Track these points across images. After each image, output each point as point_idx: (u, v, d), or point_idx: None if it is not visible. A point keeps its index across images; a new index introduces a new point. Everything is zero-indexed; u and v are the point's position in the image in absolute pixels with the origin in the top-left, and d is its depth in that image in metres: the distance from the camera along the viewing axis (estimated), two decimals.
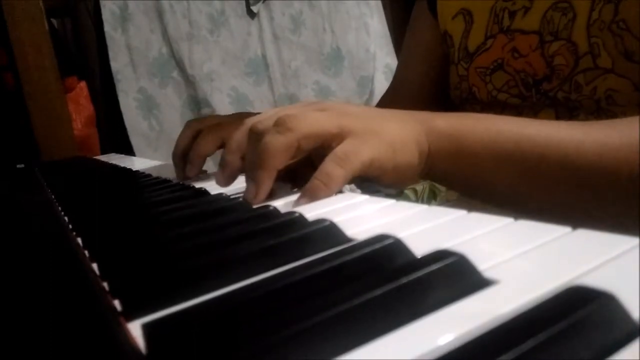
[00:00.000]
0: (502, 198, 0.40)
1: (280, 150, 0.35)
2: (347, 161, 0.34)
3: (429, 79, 0.72)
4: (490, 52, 0.59)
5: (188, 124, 0.54)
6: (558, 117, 0.55)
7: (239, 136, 0.40)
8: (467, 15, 0.63)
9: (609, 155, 0.35)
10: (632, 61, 0.47)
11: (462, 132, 0.39)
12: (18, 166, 0.89)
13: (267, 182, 0.36)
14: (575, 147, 0.36)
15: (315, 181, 0.34)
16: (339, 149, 0.35)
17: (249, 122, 0.39)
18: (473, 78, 0.62)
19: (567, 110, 0.54)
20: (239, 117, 0.56)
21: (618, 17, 0.47)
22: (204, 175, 0.55)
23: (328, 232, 0.26)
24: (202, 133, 0.51)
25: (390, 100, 0.78)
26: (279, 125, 0.36)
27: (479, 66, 0.61)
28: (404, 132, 0.38)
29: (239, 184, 0.41)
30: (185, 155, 0.52)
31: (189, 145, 0.52)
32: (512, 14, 0.57)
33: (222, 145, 0.52)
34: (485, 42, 0.60)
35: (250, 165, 0.37)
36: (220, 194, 0.40)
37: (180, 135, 0.53)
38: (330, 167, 0.34)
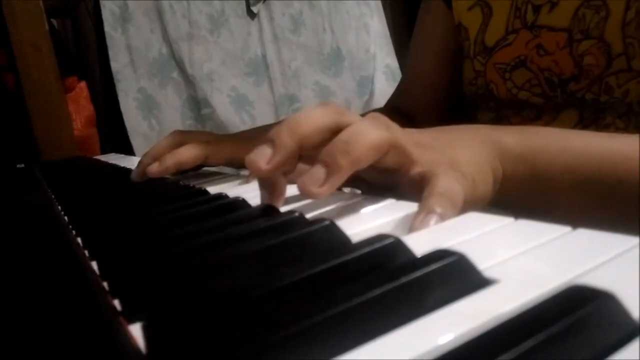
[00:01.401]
0: (574, 221, 0.38)
1: (374, 144, 0.29)
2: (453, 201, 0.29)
3: (442, 74, 0.69)
4: (512, 47, 0.57)
5: (172, 134, 0.53)
6: (582, 119, 0.53)
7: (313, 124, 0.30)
8: (485, 7, 0.60)
9: None
10: None
11: (536, 153, 0.35)
12: (18, 166, 0.89)
13: (344, 174, 0.28)
14: None
15: (441, 198, 0.28)
16: (442, 185, 0.29)
17: (335, 110, 0.32)
18: (491, 74, 0.59)
19: (593, 112, 0.52)
20: (229, 137, 0.56)
21: None
22: (204, 176, 0.55)
23: (328, 232, 0.26)
24: (189, 144, 0.49)
25: (402, 98, 0.75)
26: (375, 119, 0.30)
27: (498, 62, 0.58)
28: (481, 160, 0.34)
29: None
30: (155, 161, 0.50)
31: (164, 154, 0.50)
32: (537, 9, 0.54)
33: (201, 163, 0.50)
34: (506, 37, 0.57)
35: (332, 148, 0.29)
36: (220, 194, 0.40)
37: (161, 141, 0.52)
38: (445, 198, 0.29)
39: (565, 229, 0.22)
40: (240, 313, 0.18)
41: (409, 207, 0.29)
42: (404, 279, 0.17)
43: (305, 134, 0.30)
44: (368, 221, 0.28)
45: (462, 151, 0.34)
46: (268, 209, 0.32)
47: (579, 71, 0.51)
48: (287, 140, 0.30)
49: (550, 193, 0.36)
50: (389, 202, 0.31)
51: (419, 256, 0.20)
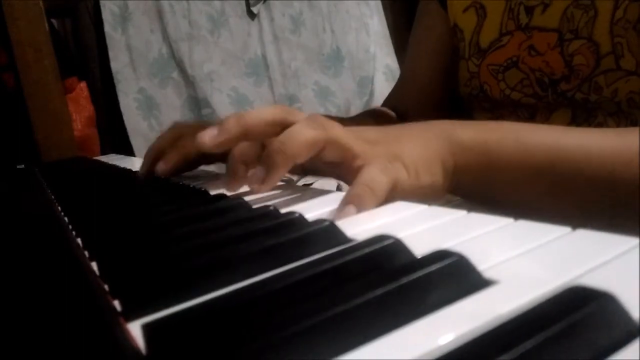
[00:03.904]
0: (531, 211, 0.39)
1: (307, 142, 0.33)
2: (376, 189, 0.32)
3: (437, 74, 0.70)
4: (506, 49, 0.57)
5: (171, 126, 0.54)
6: (575, 118, 0.53)
7: (260, 118, 0.36)
8: (479, 9, 0.61)
9: None
10: None
11: (489, 145, 0.37)
12: (18, 167, 0.89)
13: (281, 171, 0.33)
14: (610, 162, 0.35)
15: (361, 187, 0.32)
16: (365, 175, 0.33)
17: (283, 109, 0.37)
18: (485, 75, 0.60)
19: (584, 111, 0.52)
20: None
21: None
22: (204, 177, 0.55)
23: (328, 232, 0.26)
24: (185, 136, 0.50)
25: (398, 98, 0.76)
26: (313, 120, 0.34)
27: (492, 63, 0.59)
28: (428, 152, 0.37)
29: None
30: (158, 155, 0.52)
31: (166, 147, 0.51)
32: (530, 10, 0.55)
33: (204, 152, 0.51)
34: (500, 39, 0.58)
35: (270, 148, 0.33)
36: (220, 194, 0.40)
37: (162, 135, 0.53)
38: (369, 179, 0.32)
39: (565, 230, 0.22)
40: (240, 313, 0.18)
41: (409, 207, 0.29)
42: (403, 280, 0.17)
43: (250, 123, 0.36)
44: (368, 221, 0.28)
45: (407, 144, 0.37)
46: (268, 210, 0.32)
47: (569, 71, 0.52)
48: (232, 125, 0.36)
49: (502, 183, 0.38)
50: (389, 203, 0.31)
51: (418, 257, 0.20)
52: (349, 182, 0.36)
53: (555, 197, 0.37)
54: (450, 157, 0.37)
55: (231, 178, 0.39)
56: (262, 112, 0.36)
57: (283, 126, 0.35)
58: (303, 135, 0.33)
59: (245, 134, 0.36)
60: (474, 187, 0.39)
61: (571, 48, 0.51)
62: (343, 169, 0.35)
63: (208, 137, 0.36)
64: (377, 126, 0.39)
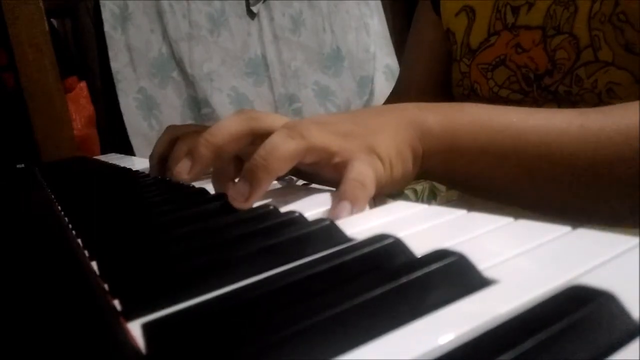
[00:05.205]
0: (499, 194, 0.40)
1: (289, 155, 0.33)
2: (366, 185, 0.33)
3: (433, 78, 0.72)
4: (494, 48, 0.59)
5: (166, 130, 0.54)
6: None
7: (235, 128, 0.37)
8: (469, 12, 0.63)
9: (607, 147, 0.35)
10: (632, 53, 0.47)
11: (456, 131, 0.38)
12: (18, 166, 0.89)
13: (264, 186, 0.33)
14: (574, 143, 0.35)
15: (352, 182, 0.32)
16: (353, 171, 0.33)
17: (248, 117, 0.38)
18: (475, 74, 0.62)
19: (569, 104, 0.54)
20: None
21: (618, 9, 0.47)
22: (204, 176, 0.55)
23: (328, 231, 0.26)
24: (178, 141, 0.50)
25: (396, 102, 0.78)
26: (291, 129, 0.33)
27: (481, 62, 0.61)
28: (398, 141, 0.37)
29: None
30: (161, 160, 0.53)
31: (165, 150, 0.52)
32: (516, 10, 0.57)
33: None
34: (488, 39, 0.60)
35: (252, 164, 0.33)
36: (220, 194, 0.40)
37: (158, 141, 0.54)
38: (358, 183, 0.32)
39: (565, 229, 0.22)
40: (240, 313, 0.18)
41: (409, 207, 0.29)
42: (403, 279, 0.17)
43: (220, 144, 0.37)
44: (368, 220, 0.28)
45: (381, 136, 0.37)
46: (268, 209, 0.32)
47: (552, 65, 0.54)
48: (203, 152, 0.37)
49: (470, 167, 0.38)
50: (389, 202, 0.31)
51: (418, 256, 0.20)
52: (327, 179, 0.38)
53: (522, 181, 0.38)
54: (419, 144, 0.38)
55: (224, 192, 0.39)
56: (228, 127, 0.37)
57: (253, 136, 0.37)
58: (284, 149, 0.33)
59: (218, 155, 0.37)
60: (442, 171, 0.39)
61: (554, 43, 0.53)
62: (321, 167, 0.35)
63: (185, 171, 0.38)
64: (351, 113, 0.40)
